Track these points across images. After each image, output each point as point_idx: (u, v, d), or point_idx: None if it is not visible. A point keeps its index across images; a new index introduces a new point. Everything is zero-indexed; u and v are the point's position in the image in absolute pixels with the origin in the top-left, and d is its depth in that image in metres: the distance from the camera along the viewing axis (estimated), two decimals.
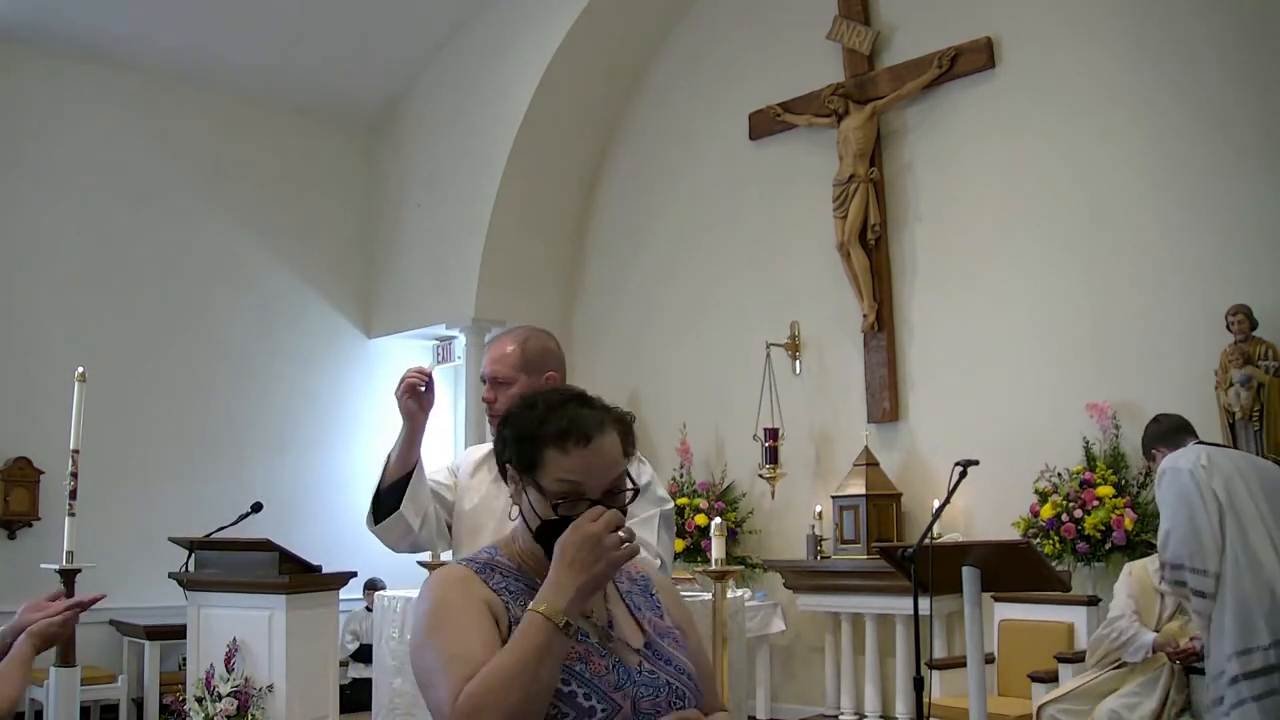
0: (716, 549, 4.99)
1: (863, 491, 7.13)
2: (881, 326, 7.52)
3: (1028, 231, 7.02)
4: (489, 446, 2.95)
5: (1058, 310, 6.85)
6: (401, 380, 2.75)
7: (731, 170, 8.55)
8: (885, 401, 7.49)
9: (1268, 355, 5.82)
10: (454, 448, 9.55)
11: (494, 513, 2.74)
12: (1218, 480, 4.17)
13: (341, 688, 6.15)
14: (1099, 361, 6.63)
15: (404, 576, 6.37)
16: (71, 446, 4.69)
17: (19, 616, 2.58)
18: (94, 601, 2.72)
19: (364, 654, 8.03)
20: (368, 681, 7.20)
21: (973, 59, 7.25)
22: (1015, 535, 6.42)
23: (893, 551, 4.38)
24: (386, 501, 2.77)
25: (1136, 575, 4.98)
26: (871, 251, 7.53)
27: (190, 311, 8.70)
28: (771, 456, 7.70)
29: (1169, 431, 4.63)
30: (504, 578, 1.87)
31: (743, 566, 7.61)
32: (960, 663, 4.86)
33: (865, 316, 7.54)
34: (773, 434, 7.73)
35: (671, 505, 2.74)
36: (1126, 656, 4.76)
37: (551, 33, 8.69)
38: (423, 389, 2.76)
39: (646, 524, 2.65)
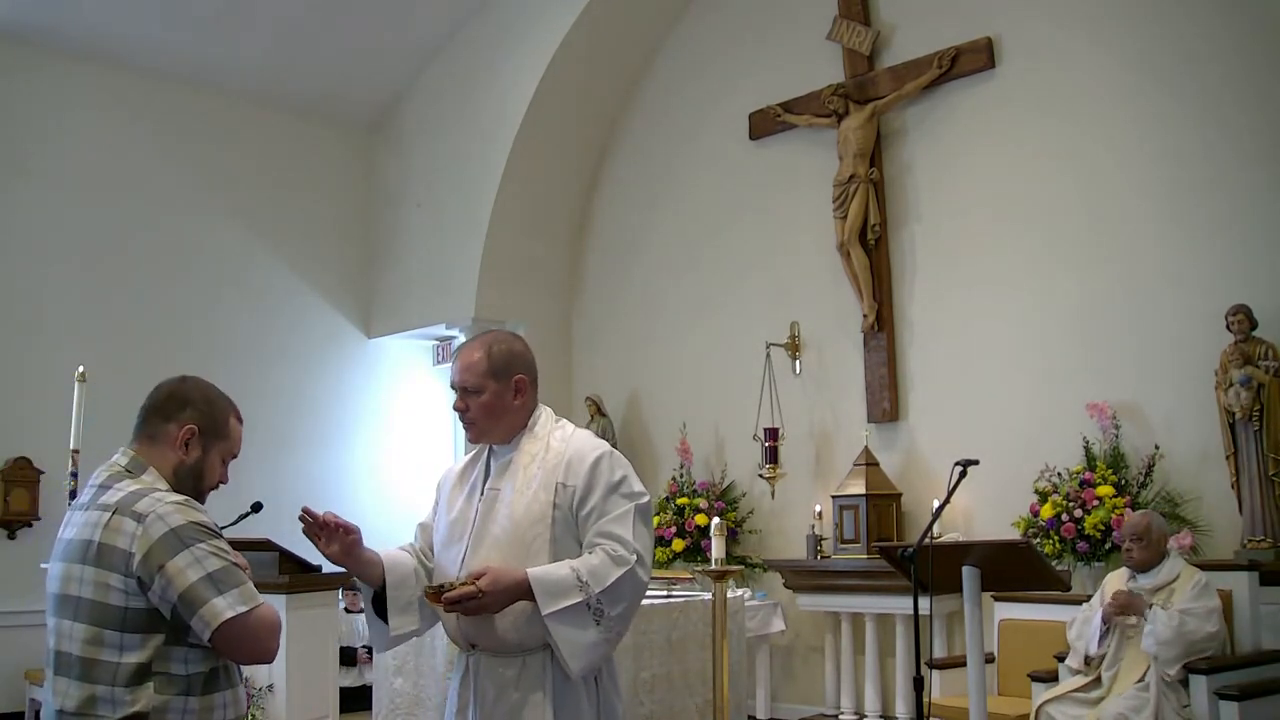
0: (716, 549, 4.99)
1: (863, 491, 7.13)
2: (881, 326, 7.52)
3: (1027, 231, 7.02)
4: (468, 459, 2.95)
5: (1058, 310, 6.85)
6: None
7: (731, 170, 8.55)
8: (885, 401, 7.49)
9: (1268, 355, 5.82)
10: (453, 450, 9.53)
11: (467, 523, 2.75)
12: None
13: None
14: (1099, 361, 6.63)
15: None
16: (71, 446, 4.71)
17: None
18: None
19: (345, 658, 7.77)
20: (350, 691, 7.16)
21: (973, 59, 7.25)
22: (1015, 535, 6.41)
23: (893, 551, 4.38)
24: (381, 617, 2.80)
25: (1110, 589, 4.99)
26: (871, 251, 7.53)
27: (190, 311, 8.70)
28: (771, 456, 7.70)
29: None
30: None
31: (743, 566, 7.61)
32: (960, 662, 4.86)
33: (865, 316, 7.54)
34: (773, 434, 7.73)
35: (648, 499, 2.71)
36: (1091, 647, 4.80)
37: (551, 33, 8.70)
38: (338, 530, 2.67)
39: (621, 519, 2.63)
